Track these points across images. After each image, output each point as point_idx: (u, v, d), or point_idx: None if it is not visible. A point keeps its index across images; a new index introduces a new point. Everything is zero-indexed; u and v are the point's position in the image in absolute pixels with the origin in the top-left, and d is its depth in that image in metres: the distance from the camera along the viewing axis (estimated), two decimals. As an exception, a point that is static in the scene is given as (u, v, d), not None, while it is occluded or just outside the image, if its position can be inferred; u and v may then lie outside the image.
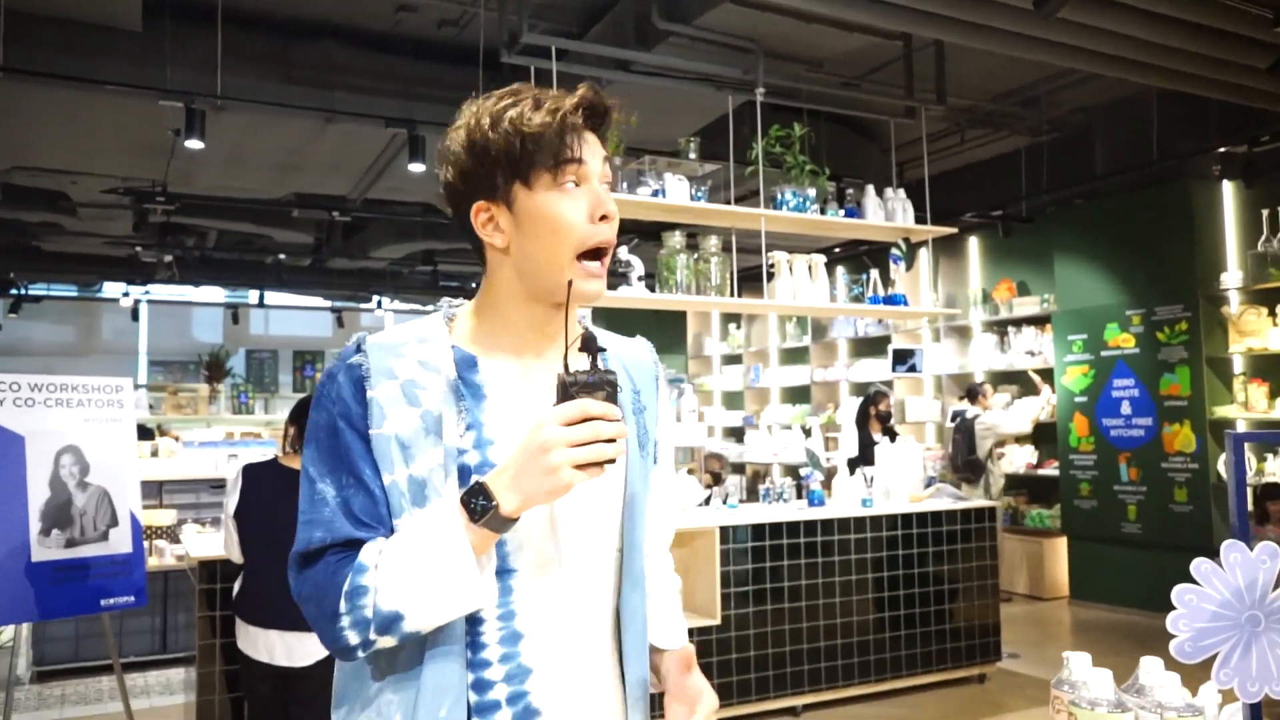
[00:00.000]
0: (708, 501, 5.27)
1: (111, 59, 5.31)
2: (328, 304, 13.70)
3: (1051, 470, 8.15)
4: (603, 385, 1.09)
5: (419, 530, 1.10)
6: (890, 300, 5.72)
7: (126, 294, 12.58)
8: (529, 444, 1.08)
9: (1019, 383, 8.66)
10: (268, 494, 3.14)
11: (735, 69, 5.47)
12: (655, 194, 4.84)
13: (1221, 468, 6.79)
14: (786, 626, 4.88)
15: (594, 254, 1.22)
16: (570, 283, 1.19)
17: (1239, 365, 6.99)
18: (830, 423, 9.82)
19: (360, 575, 1.09)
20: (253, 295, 13.13)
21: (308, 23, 5.90)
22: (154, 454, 6.90)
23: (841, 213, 5.47)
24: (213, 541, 4.13)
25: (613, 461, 1.08)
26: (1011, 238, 8.60)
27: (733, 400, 12.16)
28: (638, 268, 4.94)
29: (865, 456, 6.82)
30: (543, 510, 1.18)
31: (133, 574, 3.86)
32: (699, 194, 4.99)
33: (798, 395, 11.20)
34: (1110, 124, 7.40)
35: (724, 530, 4.74)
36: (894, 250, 5.65)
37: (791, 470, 9.28)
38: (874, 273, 5.79)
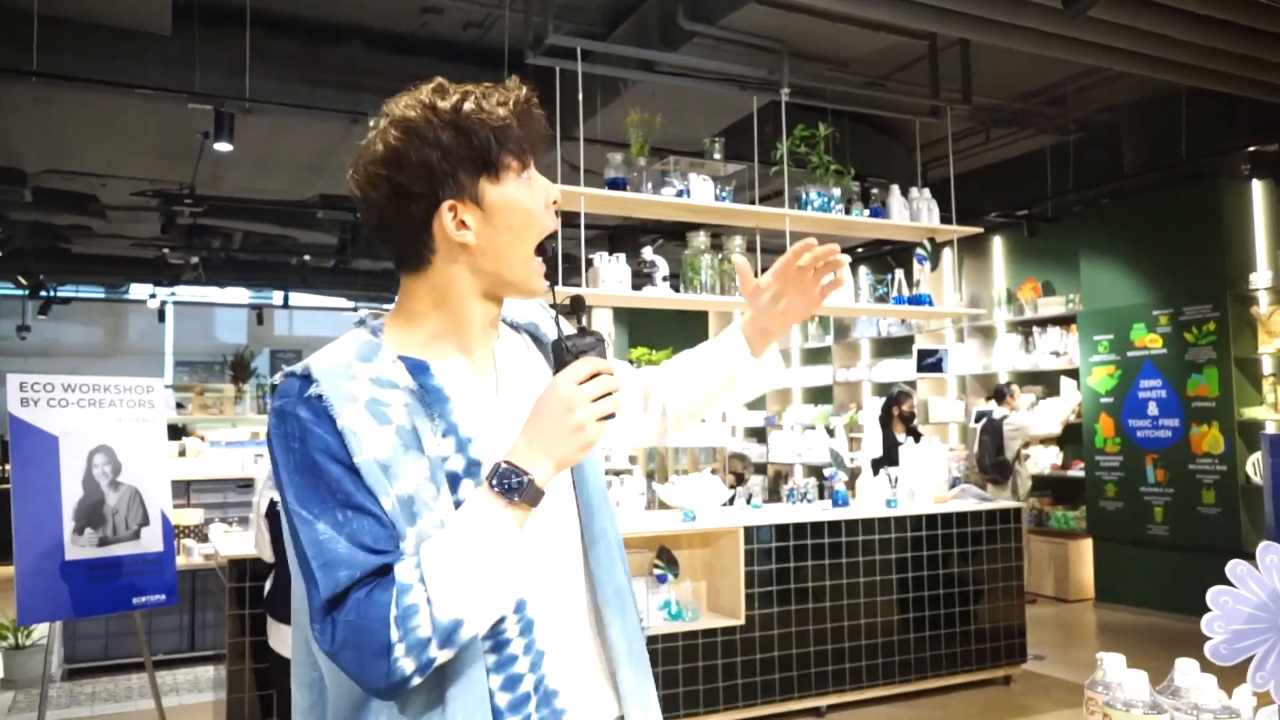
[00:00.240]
0: (731, 502, 5.27)
1: (141, 63, 5.38)
2: (351, 304, 13.80)
3: (1077, 471, 8.09)
4: (596, 343, 1.14)
5: (458, 530, 1.07)
6: (915, 300, 5.70)
7: (153, 295, 12.73)
8: (549, 409, 1.10)
9: (1044, 383, 8.60)
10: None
11: (760, 69, 5.47)
12: (680, 194, 4.85)
13: (1250, 469, 6.72)
14: (811, 627, 4.87)
15: (539, 249, 1.24)
16: (553, 286, 1.25)
17: (1268, 366, 6.91)
18: (853, 423, 9.79)
19: (406, 595, 1.04)
20: (277, 296, 13.25)
21: (334, 26, 5.95)
22: (181, 454, 6.98)
23: (866, 212, 5.46)
24: (242, 540, 4.17)
25: (617, 411, 1.13)
26: (1036, 237, 8.55)
27: (755, 400, 12.13)
28: (662, 268, 4.95)
29: (889, 457, 6.80)
30: None
31: (164, 572, 3.90)
32: (723, 194, 4.99)
33: (820, 395, 11.18)
34: (1138, 122, 7.34)
35: (748, 530, 4.74)
36: (919, 250, 5.63)
37: (814, 470, 9.26)
38: (899, 273, 5.77)
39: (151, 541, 3.90)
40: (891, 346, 10.20)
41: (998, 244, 9.15)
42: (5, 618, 5.69)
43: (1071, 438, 8.10)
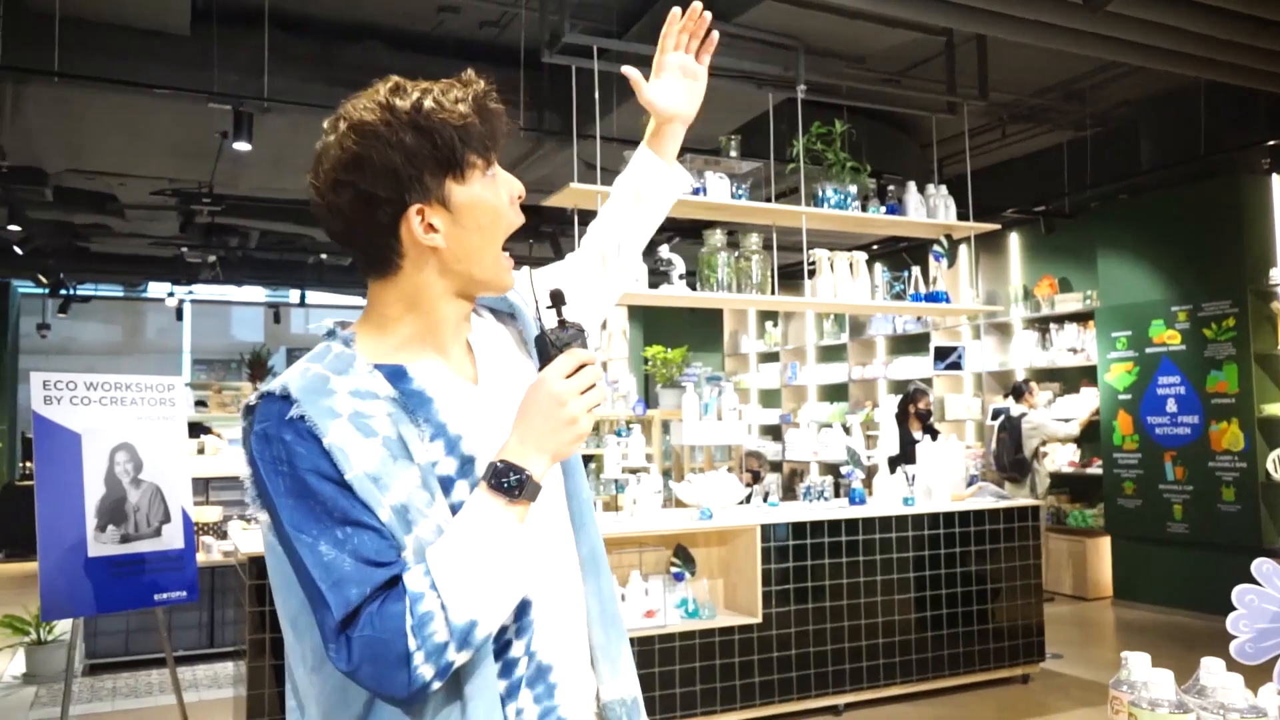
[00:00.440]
0: (748, 500, 5.27)
1: (161, 63, 5.42)
2: (366, 303, 13.85)
3: (1095, 469, 8.05)
4: (578, 335, 1.16)
5: (463, 532, 1.08)
6: (932, 298, 5.68)
7: (171, 294, 12.82)
8: (539, 404, 1.12)
9: (1061, 379, 8.56)
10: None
11: (776, 66, 5.46)
12: (696, 192, 4.85)
13: (1270, 466, 6.67)
14: (828, 625, 4.87)
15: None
16: (535, 285, 1.26)
17: (1289, 362, 6.86)
18: (869, 420, 9.76)
19: (419, 603, 1.03)
20: (294, 294, 13.31)
21: (351, 25, 5.98)
22: (200, 451, 7.03)
23: (883, 209, 5.45)
24: (261, 537, 4.20)
25: (603, 400, 1.16)
26: (1053, 234, 8.51)
27: (769, 398, 12.14)
28: (679, 266, 4.96)
29: (906, 455, 6.79)
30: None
31: (185, 569, 3.94)
32: (740, 192, 4.99)
33: (835, 393, 11.16)
34: (1156, 118, 7.29)
35: (765, 529, 4.74)
36: (936, 247, 5.61)
37: (831, 468, 9.24)
38: (915, 270, 5.75)
39: (173, 538, 3.93)
40: (907, 343, 10.17)
41: (1014, 240, 9.10)
42: (28, 614, 5.75)
43: (1089, 435, 8.06)
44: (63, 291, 11.96)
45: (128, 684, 5.57)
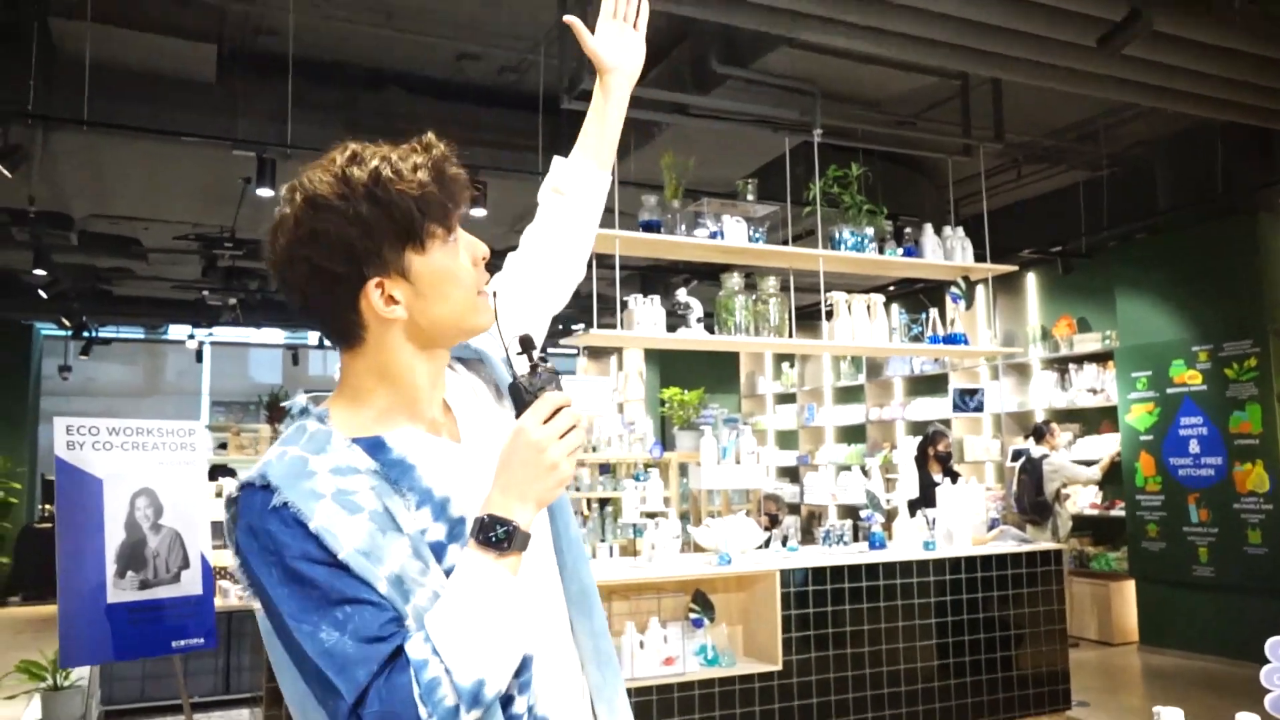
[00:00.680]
0: (767, 544, 5.23)
1: (187, 111, 5.51)
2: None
3: (1118, 511, 7.96)
4: (552, 378, 1.14)
5: (458, 593, 1.07)
6: (950, 339, 5.66)
7: (192, 336, 12.92)
8: (519, 453, 1.10)
9: (1081, 420, 8.49)
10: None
11: (792, 110, 5.51)
12: (713, 235, 4.86)
13: (1298, 509, 6.57)
14: (849, 673, 4.80)
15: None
16: (504, 332, 1.23)
17: (1313, 403, 6.79)
18: (887, 462, 9.70)
19: (424, 671, 1.03)
20: (312, 337, 13.40)
21: (373, 72, 6.07)
22: (219, 494, 7.03)
23: (900, 251, 5.45)
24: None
25: (583, 443, 1.15)
26: (1071, 274, 8.49)
27: (786, 439, 12.08)
28: (696, 309, 4.96)
29: (925, 498, 6.72)
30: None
31: (203, 615, 3.93)
32: (757, 235, 5.01)
33: (853, 434, 11.10)
34: (1172, 157, 7.29)
35: (784, 574, 4.69)
36: (953, 289, 5.61)
37: (849, 511, 9.17)
38: (933, 311, 5.74)
39: (191, 584, 3.92)
40: (925, 384, 10.13)
41: (1031, 280, 9.09)
42: (44, 658, 5.73)
43: (1111, 477, 7.97)
44: (85, 334, 12.08)
45: (143, 730, 5.54)
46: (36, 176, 6.31)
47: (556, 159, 1.57)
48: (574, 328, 11.57)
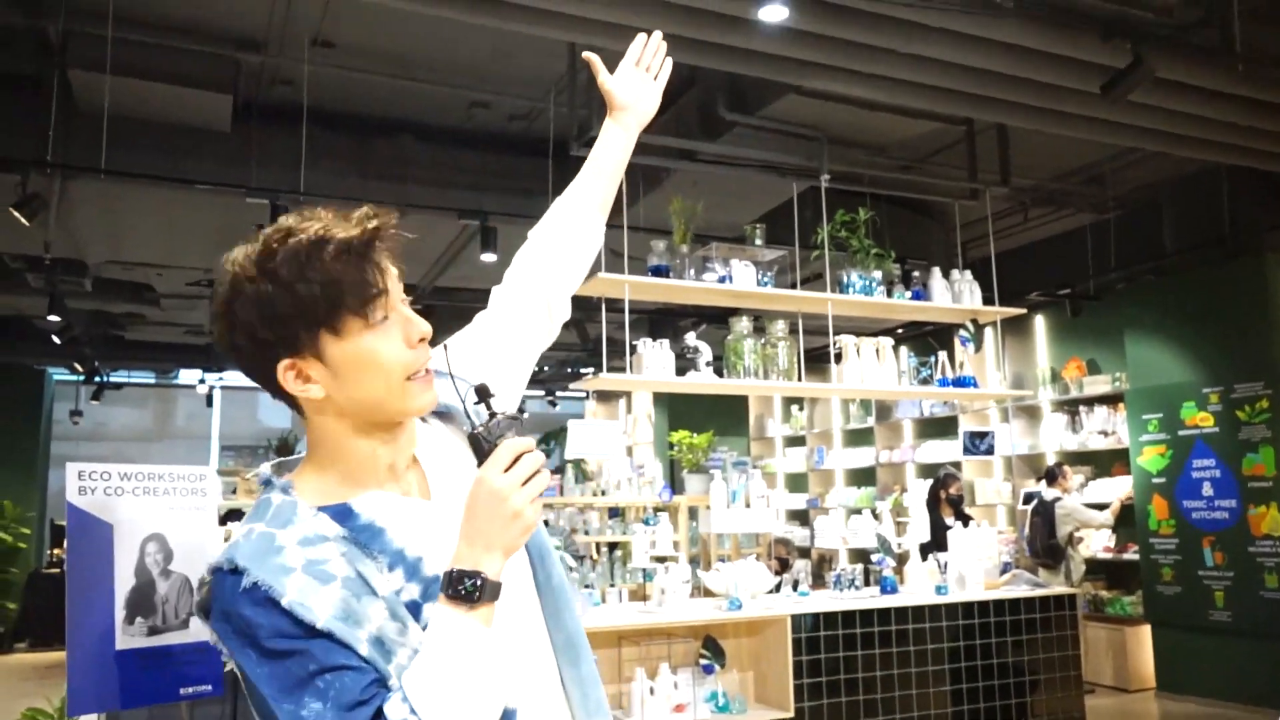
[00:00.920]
0: (777, 588, 5.19)
1: (202, 159, 5.60)
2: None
3: (1131, 554, 7.88)
4: (511, 424, 1.13)
5: (433, 651, 1.07)
6: (959, 382, 5.66)
7: (202, 380, 12.98)
8: (481, 503, 1.09)
9: (1093, 463, 8.45)
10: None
11: (799, 156, 5.57)
12: (722, 280, 4.90)
13: (1314, 553, 6.51)
14: (862, 719, 4.74)
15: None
16: (456, 382, 1.22)
17: (1327, 445, 6.75)
18: (897, 505, 9.64)
19: None
20: (321, 381, 13.41)
21: (385, 120, 6.17)
22: (227, 539, 7.03)
23: (908, 295, 5.47)
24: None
25: (548, 486, 1.13)
26: (1080, 316, 8.49)
27: (796, 482, 12.03)
28: (705, 353, 4.98)
29: (937, 541, 6.67)
30: None
31: (212, 662, 3.90)
32: (765, 279, 5.04)
33: (863, 477, 11.05)
34: (1179, 199, 7.33)
35: (796, 619, 4.65)
36: (962, 332, 5.62)
37: (860, 555, 9.10)
38: (941, 354, 5.75)
39: (200, 630, 3.91)
40: (935, 427, 10.09)
41: (1040, 322, 9.09)
42: (50, 705, 5.69)
43: (1125, 520, 7.91)
44: (97, 379, 12.15)
45: (149, 778, 5.48)
46: (53, 224, 6.40)
47: (556, 199, 1.57)
48: (583, 371, 11.59)
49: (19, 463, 11.44)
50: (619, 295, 4.56)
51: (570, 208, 1.55)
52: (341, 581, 1.09)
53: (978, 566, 5.37)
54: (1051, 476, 7.76)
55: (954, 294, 5.59)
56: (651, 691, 4.28)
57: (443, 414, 1.33)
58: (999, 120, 5.35)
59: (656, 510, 6.78)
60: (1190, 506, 7.26)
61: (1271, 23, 4.75)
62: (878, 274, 5.35)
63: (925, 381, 5.74)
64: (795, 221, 5.44)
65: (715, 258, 4.95)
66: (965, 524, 6.64)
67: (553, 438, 14.18)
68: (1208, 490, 7.15)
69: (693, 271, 4.87)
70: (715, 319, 8.49)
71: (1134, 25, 4.33)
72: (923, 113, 5.47)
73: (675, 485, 7.87)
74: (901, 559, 5.76)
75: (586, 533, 7.47)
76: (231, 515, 7.94)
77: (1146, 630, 7.61)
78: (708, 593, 5.16)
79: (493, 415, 1.14)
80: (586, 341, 10.18)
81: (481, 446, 1.12)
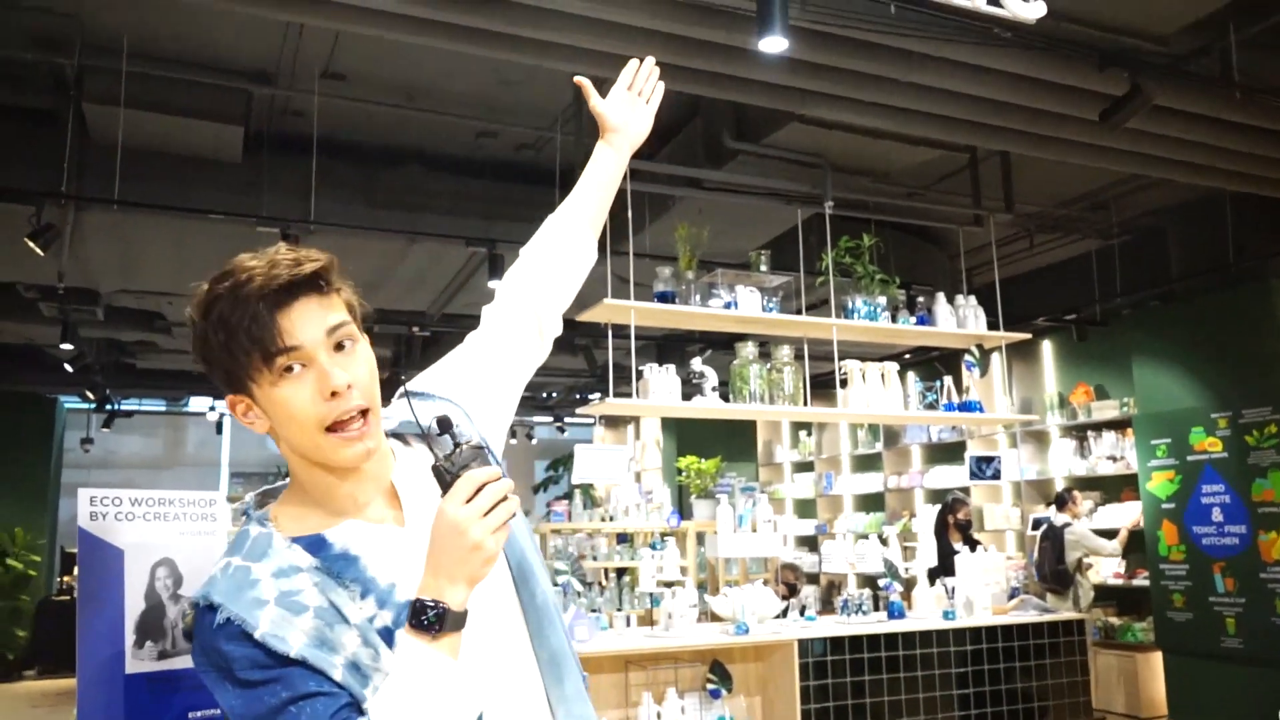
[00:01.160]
0: (784, 613, 5.19)
1: (213, 189, 5.68)
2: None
3: (1141, 581, 7.84)
4: (475, 455, 1.14)
5: (398, 680, 1.08)
6: (966, 407, 5.68)
7: (212, 408, 13.05)
8: (444, 535, 1.10)
9: (1101, 488, 8.42)
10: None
11: (804, 184, 5.62)
12: (727, 306, 4.94)
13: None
14: (870, 745, 4.72)
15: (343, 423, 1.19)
16: (416, 413, 1.25)
17: (1336, 469, 6.72)
18: (906, 530, 9.62)
19: None
20: (330, 408, 13.46)
21: (394, 150, 6.25)
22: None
23: (913, 320, 5.50)
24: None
25: (514, 514, 1.13)
26: (1086, 341, 8.50)
27: (804, 508, 12.01)
28: (711, 378, 5.01)
29: (945, 566, 6.66)
30: None
31: (220, 686, 3.92)
32: (770, 305, 5.08)
33: (871, 503, 11.03)
34: (1184, 225, 7.35)
35: (803, 644, 4.65)
36: (968, 357, 5.64)
37: (868, 580, 9.08)
38: (948, 379, 5.77)
39: (209, 655, 3.93)
40: (943, 452, 10.08)
41: (1047, 348, 9.10)
42: (60, 732, 5.71)
43: (1134, 545, 7.88)
44: (108, 406, 12.22)
45: (156, 806, 5.47)
46: (66, 254, 6.48)
47: (547, 218, 1.61)
48: (590, 397, 11.62)
49: (30, 490, 11.49)
50: (625, 321, 4.61)
51: (561, 225, 1.59)
52: (314, 611, 1.12)
53: (985, 592, 5.36)
54: (1061, 501, 7.73)
55: (958, 319, 5.62)
56: (659, 716, 4.28)
57: (420, 436, 1.35)
58: (1001, 147, 5.40)
59: (664, 535, 6.79)
60: (1200, 532, 7.22)
61: (1270, 49, 4.80)
62: (882, 299, 5.39)
63: (931, 406, 5.76)
64: (800, 248, 5.49)
65: (721, 284, 4.99)
66: (973, 549, 6.63)
67: (561, 463, 14.19)
68: (1217, 516, 7.12)
69: (698, 297, 4.91)
70: (721, 344, 8.53)
71: (1131, 55, 4.38)
72: (925, 140, 5.53)
73: (683, 510, 7.88)
74: (909, 584, 5.75)
75: (594, 558, 7.47)
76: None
77: (1158, 657, 7.56)
78: (715, 617, 5.16)
79: (457, 446, 1.15)
80: (594, 367, 10.22)
81: (444, 479, 1.13)
